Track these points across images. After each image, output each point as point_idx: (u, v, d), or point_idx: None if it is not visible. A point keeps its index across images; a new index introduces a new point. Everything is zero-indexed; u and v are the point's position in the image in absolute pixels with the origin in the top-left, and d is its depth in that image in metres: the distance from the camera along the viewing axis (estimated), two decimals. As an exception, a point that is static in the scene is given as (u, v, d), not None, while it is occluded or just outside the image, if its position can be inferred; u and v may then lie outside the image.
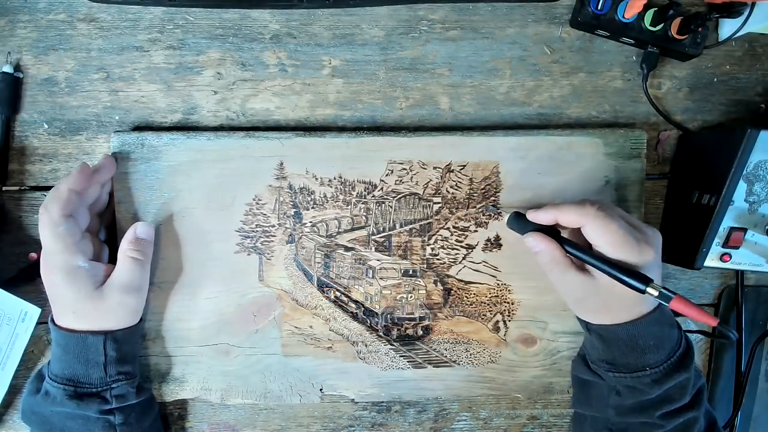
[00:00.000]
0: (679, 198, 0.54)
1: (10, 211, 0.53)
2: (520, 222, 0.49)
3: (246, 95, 0.54)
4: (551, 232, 0.47)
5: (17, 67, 0.52)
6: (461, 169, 0.53)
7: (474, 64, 0.54)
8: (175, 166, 0.51)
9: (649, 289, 0.42)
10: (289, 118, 0.54)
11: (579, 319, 0.50)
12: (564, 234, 0.48)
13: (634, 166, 0.53)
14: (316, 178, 0.52)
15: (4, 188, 0.53)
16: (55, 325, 0.47)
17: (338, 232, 0.53)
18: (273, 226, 0.53)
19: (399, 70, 0.54)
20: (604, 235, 0.44)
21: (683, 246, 0.52)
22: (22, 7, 0.52)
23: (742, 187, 0.49)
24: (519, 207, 0.52)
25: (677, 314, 0.44)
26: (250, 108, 0.54)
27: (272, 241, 0.53)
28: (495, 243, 0.53)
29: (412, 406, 0.57)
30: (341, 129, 0.54)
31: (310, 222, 0.53)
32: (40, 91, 0.53)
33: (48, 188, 0.53)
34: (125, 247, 0.48)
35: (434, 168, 0.53)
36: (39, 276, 0.53)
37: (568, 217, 0.45)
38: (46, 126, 0.53)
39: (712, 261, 0.51)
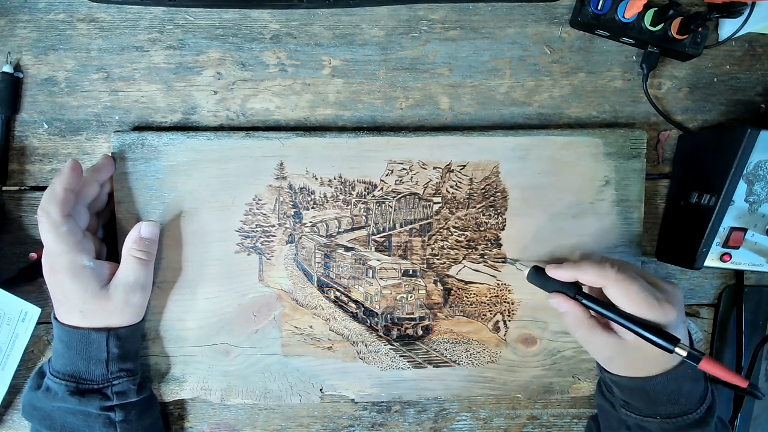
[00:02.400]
0: (679, 198, 0.54)
1: (10, 211, 0.53)
2: (540, 277, 0.49)
3: (246, 95, 0.54)
4: (573, 286, 0.48)
5: (17, 67, 0.52)
6: (461, 169, 0.53)
7: (474, 64, 0.54)
8: (175, 166, 0.51)
9: (677, 349, 0.42)
10: (289, 118, 0.54)
11: (596, 363, 0.51)
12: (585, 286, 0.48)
13: (634, 166, 0.53)
14: (316, 178, 0.52)
15: (4, 188, 0.53)
16: (58, 321, 0.47)
17: (338, 232, 0.53)
18: (273, 226, 0.53)
19: (399, 70, 0.54)
20: (627, 298, 0.44)
21: (683, 246, 0.52)
22: (22, 7, 0.52)
23: (742, 187, 0.49)
24: (538, 261, 0.52)
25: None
26: (250, 108, 0.54)
27: (272, 241, 0.53)
28: (495, 243, 0.53)
29: (412, 406, 0.57)
30: (341, 129, 0.54)
31: (310, 222, 0.53)
32: (40, 91, 0.53)
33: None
34: (129, 246, 0.48)
35: (434, 168, 0.53)
36: (39, 276, 0.53)
37: (588, 278, 0.46)
38: (46, 126, 0.53)
39: (712, 261, 0.51)
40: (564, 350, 0.54)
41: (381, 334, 0.54)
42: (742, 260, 0.51)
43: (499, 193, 0.53)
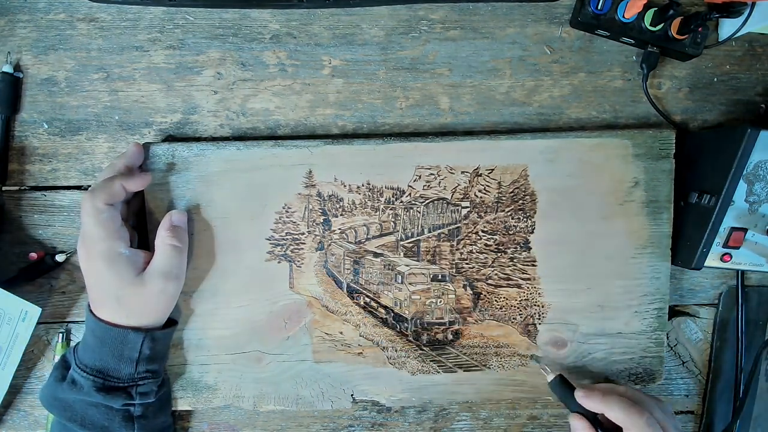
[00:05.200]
0: (679, 198, 0.54)
1: (10, 211, 0.53)
2: (563, 390, 0.50)
3: (246, 95, 0.54)
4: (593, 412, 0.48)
5: (17, 67, 0.52)
6: (489, 173, 0.53)
7: (474, 64, 0.54)
8: (205, 177, 0.51)
9: None
10: (289, 118, 0.54)
11: None
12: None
13: (663, 166, 0.53)
14: (345, 186, 0.52)
15: (4, 188, 0.53)
16: (95, 316, 0.47)
17: (367, 239, 0.53)
18: (303, 233, 0.53)
19: (399, 70, 0.54)
20: None
21: (683, 246, 0.52)
22: (22, 7, 0.52)
23: (742, 187, 0.49)
24: (562, 369, 0.53)
25: None
26: (250, 108, 0.54)
27: (302, 248, 0.53)
28: (524, 246, 0.53)
29: (412, 406, 0.57)
30: (341, 130, 0.54)
31: (339, 229, 0.53)
32: (40, 91, 0.53)
33: (48, 188, 0.54)
34: (163, 235, 0.48)
35: (462, 172, 0.53)
36: (39, 276, 0.53)
37: (615, 417, 0.46)
38: (46, 126, 0.53)
39: (712, 261, 0.51)
40: (595, 352, 0.54)
41: (411, 339, 0.54)
42: (743, 260, 0.51)
43: (528, 196, 0.53)
